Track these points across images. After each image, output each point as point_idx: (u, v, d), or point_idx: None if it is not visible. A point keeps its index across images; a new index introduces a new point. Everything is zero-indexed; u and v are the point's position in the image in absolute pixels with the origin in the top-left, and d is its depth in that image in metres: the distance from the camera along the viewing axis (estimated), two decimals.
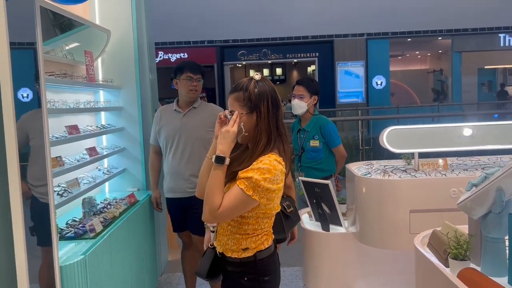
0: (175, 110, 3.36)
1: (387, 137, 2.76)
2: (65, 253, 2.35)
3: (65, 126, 2.91)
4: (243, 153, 1.82)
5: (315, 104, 3.61)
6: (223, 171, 1.71)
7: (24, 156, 1.83)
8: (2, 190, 1.85)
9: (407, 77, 16.64)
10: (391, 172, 2.76)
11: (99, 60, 3.80)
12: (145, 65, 4.02)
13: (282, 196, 2.80)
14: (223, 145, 1.70)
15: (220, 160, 1.69)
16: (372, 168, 2.94)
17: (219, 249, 1.86)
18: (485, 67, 15.49)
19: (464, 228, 1.52)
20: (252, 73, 16.60)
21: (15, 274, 1.84)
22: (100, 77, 3.77)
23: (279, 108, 1.81)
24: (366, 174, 2.76)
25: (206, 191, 1.70)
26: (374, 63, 13.84)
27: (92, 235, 2.60)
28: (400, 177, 2.66)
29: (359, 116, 10.73)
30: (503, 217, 1.25)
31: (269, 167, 1.68)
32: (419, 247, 1.40)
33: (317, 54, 14.30)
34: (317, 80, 14.61)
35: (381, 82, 13.81)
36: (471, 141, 2.73)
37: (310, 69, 16.33)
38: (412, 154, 2.86)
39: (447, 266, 1.27)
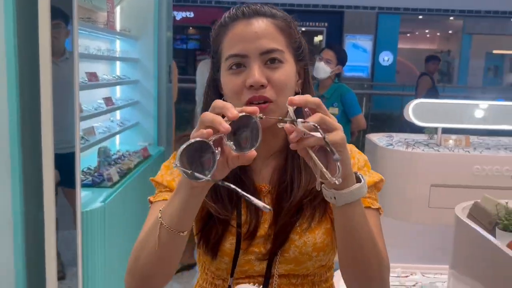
0: None
1: (413, 110, 2.72)
2: (82, 199, 2.33)
3: (85, 73, 2.84)
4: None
5: (337, 75, 3.55)
6: None
7: None
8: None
9: (414, 56, 16.47)
10: (414, 145, 2.74)
11: (118, 8, 3.69)
12: (163, 17, 3.92)
13: None
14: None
15: None
16: (392, 140, 2.92)
17: None
18: (494, 51, 15.35)
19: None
20: None
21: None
22: (118, 25, 3.66)
23: None
24: (388, 146, 2.74)
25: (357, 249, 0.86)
26: (383, 39, 13.66)
27: (109, 184, 2.57)
28: (423, 150, 2.64)
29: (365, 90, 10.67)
30: None
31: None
32: (462, 217, 1.39)
33: (326, 24, 14.07)
34: None
35: (388, 59, 13.67)
36: (496, 120, 2.71)
37: (317, 39, 16.10)
38: (435, 129, 2.83)
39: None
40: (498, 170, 2.44)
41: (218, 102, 0.74)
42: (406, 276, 1.92)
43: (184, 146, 0.68)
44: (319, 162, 0.72)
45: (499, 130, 2.94)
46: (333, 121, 0.74)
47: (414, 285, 1.79)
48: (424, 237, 2.50)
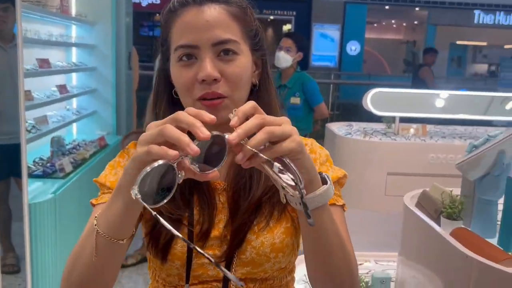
0: None
1: (371, 99, 2.73)
2: (33, 190, 2.24)
3: (36, 59, 2.72)
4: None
5: (299, 62, 3.53)
6: None
7: None
8: None
9: (380, 46, 16.68)
10: (372, 134, 2.76)
11: None
12: (122, 2, 3.79)
13: None
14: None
15: None
16: (352, 129, 2.93)
17: None
18: (457, 42, 15.71)
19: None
20: None
21: None
22: (73, 10, 3.53)
23: None
24: (346, 135, 2.75)
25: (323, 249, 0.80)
26: (350, 28, 13.75)
27: (61, 175, 2.49)
28: (380, 139, 2.66)
29: (332, 80, 10.74)
30: (501, 180, 1.25)
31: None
32: (409, 205, 1.40)
33: (294, 13, 14.04)
34: None
35: (355, 48, 13.78)
36: (452, 109, 2.75)
37: (286, 28, 16.07)
38: (393, 118, 2.86)
39: (438, 226, 1.28)
40: (452, 159, 2.48)
41: (183, 116, 0.64)
42: (361, 264, 1.93)
43: (148, 169, 0.61)
44: (278, 178, 0.65)
45: (457, 119, 3.00)
46: (283, 128, 0.66)
47: (367, 273, 1.80)
48: (380, 224, 2.52)
